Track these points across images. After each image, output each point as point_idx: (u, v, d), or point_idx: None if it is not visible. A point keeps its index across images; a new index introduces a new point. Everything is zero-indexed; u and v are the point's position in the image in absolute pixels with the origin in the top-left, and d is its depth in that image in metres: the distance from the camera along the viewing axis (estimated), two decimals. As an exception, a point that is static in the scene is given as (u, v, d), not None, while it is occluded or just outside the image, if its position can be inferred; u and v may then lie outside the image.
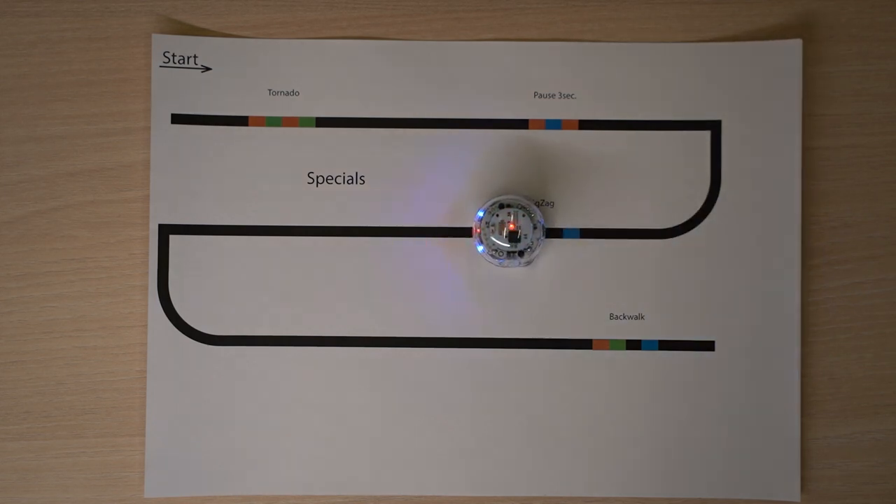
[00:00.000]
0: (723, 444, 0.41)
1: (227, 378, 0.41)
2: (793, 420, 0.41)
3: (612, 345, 0.41)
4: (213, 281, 0.41)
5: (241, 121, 0.41)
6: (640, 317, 0.41)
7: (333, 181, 0.41)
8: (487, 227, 0.39)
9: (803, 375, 0.41)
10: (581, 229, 0.41)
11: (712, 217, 0.41)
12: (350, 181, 0.41)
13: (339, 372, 0.41)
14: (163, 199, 0.41)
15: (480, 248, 0.40)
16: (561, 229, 0.41)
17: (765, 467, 0.40)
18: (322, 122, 0.41)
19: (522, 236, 0.39)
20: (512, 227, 0.39)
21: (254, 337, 0.41)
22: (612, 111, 0.41)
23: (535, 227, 0.39)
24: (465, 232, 0.41)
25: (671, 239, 0.41)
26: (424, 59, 0.41)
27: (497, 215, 0.39)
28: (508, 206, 0.39)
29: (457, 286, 0.41)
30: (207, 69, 0.41)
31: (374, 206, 0.41)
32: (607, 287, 0.41)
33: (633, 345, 0.41)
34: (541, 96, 0.41)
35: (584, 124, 0.41)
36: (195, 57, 0.41)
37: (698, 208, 0.41)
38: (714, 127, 0.41)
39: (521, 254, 0.39)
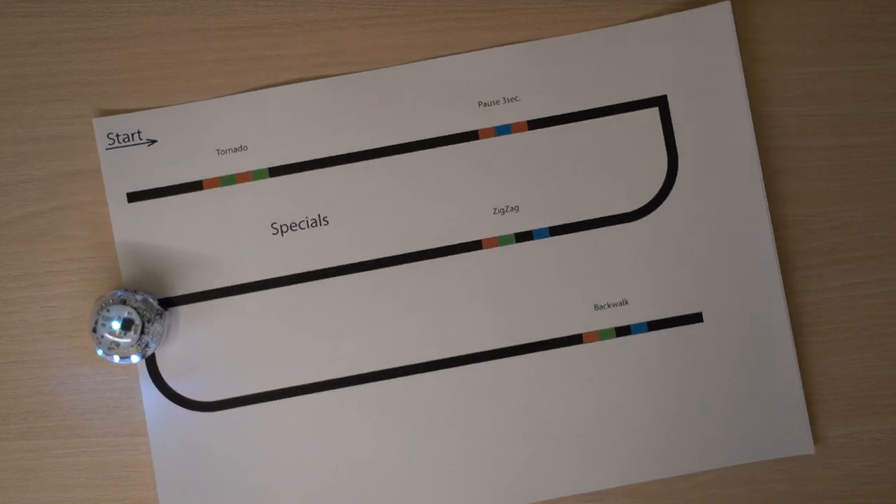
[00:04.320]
0: (729, 412, 0.41)
1: (230, 440, 0.41)
2: (792, 374, 0.41)
3: (601, 335, 0.41)
4: (199, 349, 0.41)
5: (196, 186, 0.41)
6: (624, 302, 0.41)
7: (297, 227, 0.41)
8: (101, 328, 0.39)
9: (803, 376, 0.41)
10: (550, 228, 0.41)
11: (676, 190, 0.41)
12: (314, 224, 0.41)
13: (337, 414, 0.41)
14: (135, 278, 0.41)
15: (100, 352, 0.39)
16: (530, 231, 0.41)
17: (774, 426, 0.41)
18: (275, 172, 0.41)
19: (134, 329, 0.39)
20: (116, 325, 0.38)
21: (246, 396, 0.41)
22: (559, 106, 0.41)
23: (149, 321, 0.39)
24: (439, 252, 0.41)
25: (640, 220, 0.41)
26: (363, 91, 0.41)
27: (107, 313, 0.38)
28: (107, 309, 0.39)
29: (438, 308, 0.41)
30: (153, 142, 0.41)
31: (342, 244, 0.41)
32: (587, 279, 0.41)
33: (623, 331, 0.41)
34: (485, 104, 0.41)
35: (533, 124, 0.41)
36: (139, 132, 0.41)
37: (661, 185, 0.41)
38: (661, 102, 0.41)
39: (140, 346, 0.39)
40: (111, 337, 0.39)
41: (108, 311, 0.39)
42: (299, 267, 0.41)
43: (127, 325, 0.39)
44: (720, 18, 0.41)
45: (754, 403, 0.41)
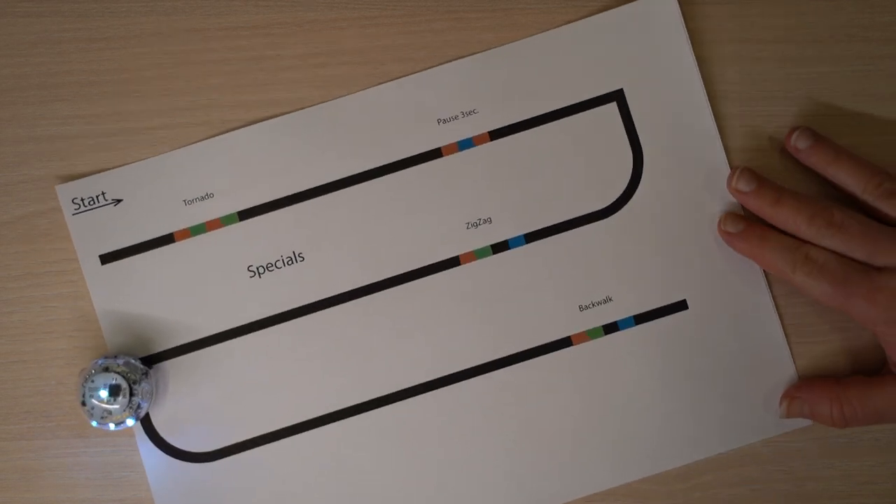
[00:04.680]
0: (725, 394, 0.41)
1: (235, 487, 0.41)
2: (781, 348, 0.41)
3: (590, 334, 0.41)
4: (191, 401, 0.41)
5: (168, 239, 0.41)
6: (608, 299, 0.41)
7: (274, 267, 0.41)
8: (90, 399, 0.38)
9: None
10: (525, 235, 0.41)
11: (644, 181, 0.41)
12: (290, 261, 0.41)
13: (337, 447, 0.41)
14: (118, 338, 0.41)
15: (94, 423, 0.39)
16: (506, 241, 0.41)
17: (771, 403, 0.41)
18: (244, 215, 0.41)
19: (123, 393, 0.38)
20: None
21: (245, 442, 0.41)
22: (517, 113, 0.41)
23: (136, 382, 0.39)
24: (418, 273, 0.41)
25: (613, 215, 0.41)
26: (320, 124, 0.41)
27: (92, 384, 0.38)
28: (91, 380, 0.38)
29: (424, 328, 0.41)
30: (119, 201, 0.41)
31: (320, 278, 0.41)
32: (568, 281, 0.41)
33: (611, 328, 0.41)
34: (444, 121, 0.41)
35: (495, 134, 0.41)
36: (103, 194, 0.41)
37: (629, 178, 0.41)
38: (618, 96, 0.41)
39: (132, 408, 0.39)
40: (102, 405, 0.38)
41: (92, 381, 0.38)
42: (281, 306, 0.41)
43: (115, 390, 0.38)
44: (666, 5, 0.41)
45: (749, 382, 0.41)
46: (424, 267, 0.41)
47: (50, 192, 0.42)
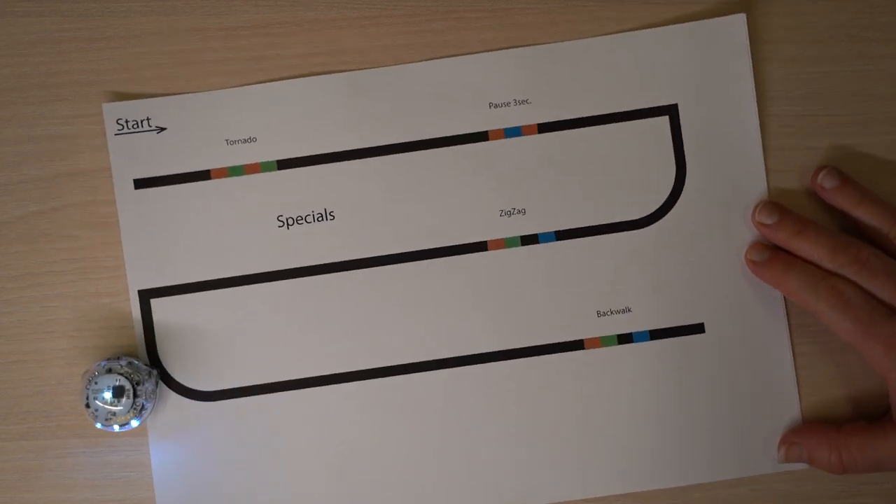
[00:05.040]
0: (726, 424, 0.41)
1: (229, 430, 0.41)
2: (790, 389, 0.41)
3: (603, 341, 0.41)
4: (200, 338, 0.41)
5: (204, 175, 0.41)
6: (627, 310, 0.41)
7: (304, 221, 0.41)
8: (94, 401, 0.38)
9: (803, 377, 0.41)
10: (556, 232, 0.41)
11: (683, 200, 0.41)
12: (320, 218, 0.41)
13: (337, 408, 0.41)
14: (138, 265, 0.41)
15: (99, 425, 0.39)
16: (536, 235, 0.41)
17: (770, 440, 0.41)
18: (283, 164, 0.41)
19: (126, 395, 0.38)
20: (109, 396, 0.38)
21: (246, 388, 0.41)
22: (569, 110, 0.41)
23: (139, 382, 0.39)
24: (444, 252, 0.41)
25: (646, 228, 0.41)
26: (375, 87, 0.41)
27: (96, 386, 0.38)
28: (95, 382, 0.38)
29: (441, 307, 0.41)
30: (162, 129, 0.41)
31: (347, 240, 0.41)
32: (591, 285, 0.41)
33: (625, 338, 0.41)
34: (496, 106, 0.41)
35: (544, 127, 0.41)
36: (148, 119, 0.41)
37: (668, 193, 0.41)
38: (671, 111, 0.41)
39: (136, 409, 0.39)
40: (106, 407, 0.38)
41: (96, 383, 0.38)
42: (304, 261, 0.41)
43: (118, 392, 0.38)
44: (735, 30, 0.41)
45: (754, 415, 0.41)
46: (452, 246, 0.41)
47: (50, 191, 0.42)
